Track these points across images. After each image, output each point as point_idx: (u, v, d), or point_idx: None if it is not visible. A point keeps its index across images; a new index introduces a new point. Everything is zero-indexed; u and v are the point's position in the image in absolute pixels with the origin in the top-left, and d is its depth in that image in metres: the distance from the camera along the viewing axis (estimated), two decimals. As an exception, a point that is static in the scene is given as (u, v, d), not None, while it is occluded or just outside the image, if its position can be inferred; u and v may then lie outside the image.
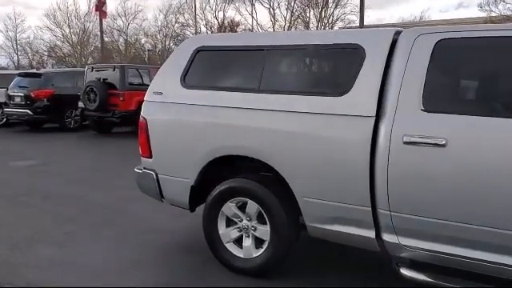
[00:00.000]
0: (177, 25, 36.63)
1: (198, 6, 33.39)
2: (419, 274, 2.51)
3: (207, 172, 3.18)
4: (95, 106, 10.59)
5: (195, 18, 32.89)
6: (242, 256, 3.10)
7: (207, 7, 38.03)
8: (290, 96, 2.84)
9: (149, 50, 38.73)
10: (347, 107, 2.62)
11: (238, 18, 40.25)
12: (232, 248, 3.15)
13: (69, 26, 36.54)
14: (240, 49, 3.25)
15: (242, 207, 3.09)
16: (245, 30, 33.57)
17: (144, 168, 3.50)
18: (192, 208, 3.39)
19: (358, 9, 20.89)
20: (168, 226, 4.15)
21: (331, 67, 3.10)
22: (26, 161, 7.68)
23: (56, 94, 11.54)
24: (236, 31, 32.47)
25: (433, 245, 2.44)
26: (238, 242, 3.15)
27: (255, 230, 3.05)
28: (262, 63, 3.04)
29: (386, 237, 2.59)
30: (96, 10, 27.31)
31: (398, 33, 2.69)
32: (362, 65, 2.64)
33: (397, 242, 2.55)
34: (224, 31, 32.43)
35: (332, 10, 31.84)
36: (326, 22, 31.59)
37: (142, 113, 3.45)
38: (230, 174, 3.18)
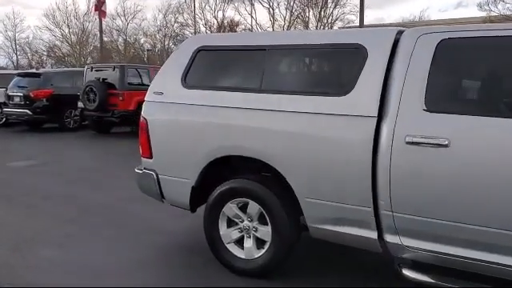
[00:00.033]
0: (176, 24, 36.73)
1: (197, 5, 33.48)
2: (421, 274, 2.49)
3: (208, 172, 3.17)
4: (95, 106, 10.57)
5: (194, 18, 32.94)
6: (243, 257, 3.09)
7: (206, 7, 38.12)
8: (292, 96, 2.82)
9: (148, 50, 38.77)
10: (349, 107, 2.60)
11: (237, 17, 40.31)
12: (233, 249, 3.13)
13: (68, 25, 36.63)
14: (241, 49, 3.23)
15: (243, 208, 3.07)
16: (244, 29, 33.58)
17: (144, 168, 3.48)
18: (193, 208, 3.37)
19: (357, 8, 20.95)
20: (169, 227, 4.14)
21: (333, 67, 3.09)
22: (25, 161, 7.66)
23: (55, 94, 11.51)
24: (235, 31, 32.49)
25: (435, 245, 2.43)
26: (239, 242, 3.13)
27: (256, 230, 3.04)
28: (263, 63, 3.03)
29: (389, 238, 2.57)
30: (95, 10, 27.25)
31: (400, 32, 2.68)
32: (363, 64, 2.63)
33: (399, 242, 2.54)
34: (223, 31, 32.46)
35: (331, 9, 31.93)
36: (325, 21, 31.63)
37: (142, 113, 3.43)
38: (231, 175, 3.17)
